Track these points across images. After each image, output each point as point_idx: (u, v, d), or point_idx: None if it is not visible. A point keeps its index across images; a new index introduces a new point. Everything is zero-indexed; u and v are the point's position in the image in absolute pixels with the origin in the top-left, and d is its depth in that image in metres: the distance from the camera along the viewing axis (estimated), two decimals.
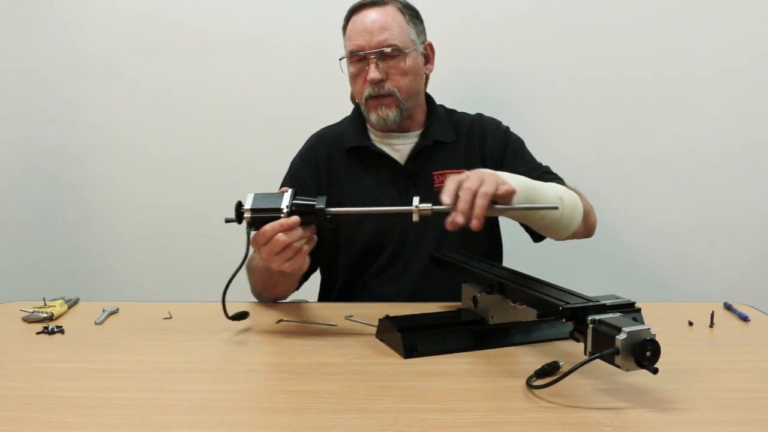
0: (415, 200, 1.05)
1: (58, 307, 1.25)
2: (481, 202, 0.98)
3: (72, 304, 1.31)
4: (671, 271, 2.00)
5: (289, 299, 1.45)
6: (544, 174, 1.45)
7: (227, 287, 1.12)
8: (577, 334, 0.89)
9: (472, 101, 1.67)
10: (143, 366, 1.03)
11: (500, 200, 1.02)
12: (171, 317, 1.20)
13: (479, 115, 1.56)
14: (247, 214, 1.08)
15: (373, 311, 1.23)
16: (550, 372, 0.91)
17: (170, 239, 2.08)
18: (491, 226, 1.53)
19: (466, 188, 0.99)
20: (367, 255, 1.45)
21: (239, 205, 1.09)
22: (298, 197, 1.09)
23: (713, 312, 1.18)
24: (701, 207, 1.97)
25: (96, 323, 1.21)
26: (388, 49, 1.38)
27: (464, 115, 1.55)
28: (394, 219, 1.43)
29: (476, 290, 1.09)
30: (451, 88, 1.78)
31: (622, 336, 0.81)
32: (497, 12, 1.92)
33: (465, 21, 1.92)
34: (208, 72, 2.01)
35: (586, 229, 1.36)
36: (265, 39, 1.98)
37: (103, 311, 1.25)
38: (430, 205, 1.04)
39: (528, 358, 1.01)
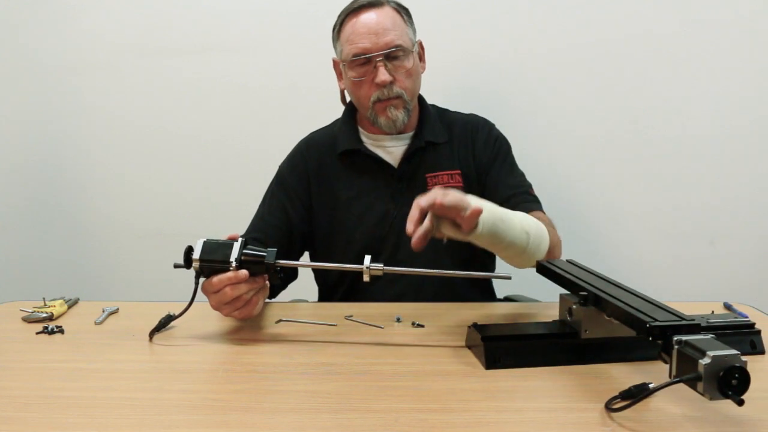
0: (367, 259, 1.07)
1: (58, 307, 1.25)
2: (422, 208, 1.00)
3: (72, 304, 1.31)
4: (671, 271, 2.00)
5: (288, 299, 1.45)
6: (524, 196, 1.42)
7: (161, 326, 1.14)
8: (664, 355, 0.83)
9: (471, 100, 1.67)
10: (143, 366, 1.03)
11: (464, 216, 1.00)
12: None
13: (472, 115, 1.53)
14: (195, 264, 1.08)
15: (374, 311, 1.23)
16: (636, 394, 0.83)
17: (170, 239, 2.08)
18: None
19: (420, 202, 1.01)
20: (363, 261, 1.42)
21: (188, 252, 1.09)
22: (248, 247, 1.09)
23: (713, 312, 1.18)
24: (701, 207, 1.97)
25: (96, 323, 1.21)
26: (396, 50, 1.36)
27: (457, 115, 1.53)
28: (390, 224, 1.41)
29: (572, 301, 1.03)
30: (451, 87, 1.78)
31: (705, 360, 0.74)
32: (496, 9, 1.92)
33: (466, 18, 1.92)
34: (208, 72, 2.01)
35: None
36: (265, 39, 1.98)
37: (103, 311, 1.25)
38: (382, 265, 1.07)
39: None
